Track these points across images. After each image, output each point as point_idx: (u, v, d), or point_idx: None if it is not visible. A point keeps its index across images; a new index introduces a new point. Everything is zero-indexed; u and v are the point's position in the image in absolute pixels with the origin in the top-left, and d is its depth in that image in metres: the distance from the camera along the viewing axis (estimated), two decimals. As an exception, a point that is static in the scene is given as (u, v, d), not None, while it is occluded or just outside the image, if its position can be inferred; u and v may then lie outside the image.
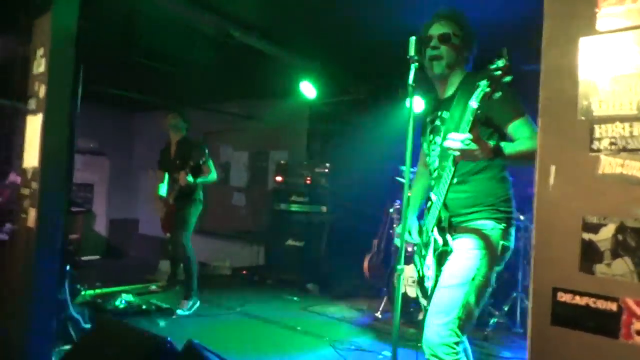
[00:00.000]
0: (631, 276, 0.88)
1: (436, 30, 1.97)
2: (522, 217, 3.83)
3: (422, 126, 2.19)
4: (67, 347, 2.89)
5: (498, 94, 1.51)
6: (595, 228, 0.91)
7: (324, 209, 5.44)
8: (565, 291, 0.94)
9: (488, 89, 1.50)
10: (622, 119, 0.89)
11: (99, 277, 5.74)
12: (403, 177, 4.56)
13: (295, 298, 4.89)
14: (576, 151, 0.94)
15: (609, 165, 0.89)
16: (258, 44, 4.58)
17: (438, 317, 1.80)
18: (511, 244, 1.92)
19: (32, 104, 2.92)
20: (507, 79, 1.45)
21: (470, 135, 1.60)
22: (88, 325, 3.19)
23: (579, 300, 0.92)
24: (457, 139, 1.62)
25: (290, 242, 5.48)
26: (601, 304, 0.90)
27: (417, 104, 4.83)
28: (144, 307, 4.08)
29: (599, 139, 0.91)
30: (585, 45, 0.93)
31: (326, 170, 5.53)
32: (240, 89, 6.99)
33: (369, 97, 6.00)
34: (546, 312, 0.95)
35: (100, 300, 4.13)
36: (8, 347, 2.83)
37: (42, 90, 2.82)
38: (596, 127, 0.91)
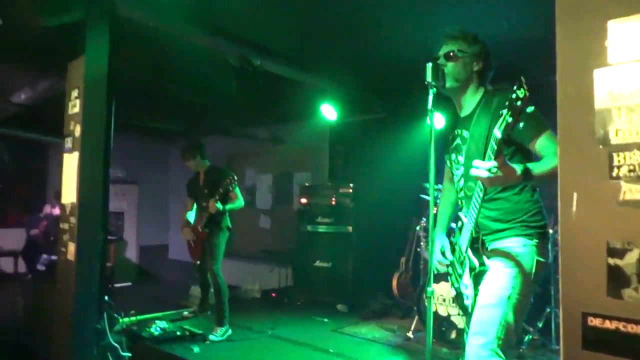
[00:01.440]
0: None
1: (442, 50, 2.03)
2: (550, 231, 3.78)
3: (446, 142, 2.22)
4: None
5: (521, 124, 1.53)
6: (620, 253, 0.93)
7: (350, 228, 5.47)
8: (595, 316, 0.96)
9: (510, 119, 1.51)
10: (639, 146, 0.92)
11: (133, 303, 5.87)
12: (428, 195, 4.58)
13: (325, 319, 4.90)
14: (597, 178, 0.97)
15: (629, 191, 0.92)
16: (280, 70, 4.73)
17: (477, 338, 1.80)
18: (547, 258, 1.91)
19: (68, 142, 3.06)
20: (529, 109, 1.46)
21: (496, 163, 1.61)
22: (126, 354, 3.28)
23: (609, 324, 0.94)
24: (484, 168, 1.63)
25: (318, 263, 5.51)
26: (631, 328, 0.92)
27: (439, 120, 4.86)
28: (177, 333, 4.16)
29: (619, 167, 0.94)
30: (600, 77, 0.97)
31: (350, 191, 5.57)
32: (262, 114, 7.17)
33: (389, 115, 6.05)
34: (577, 336, 0.97)
35: (135, 327, 4.22)
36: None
37: (77, 130, 2.97)
38: (614, 155, 0.94)
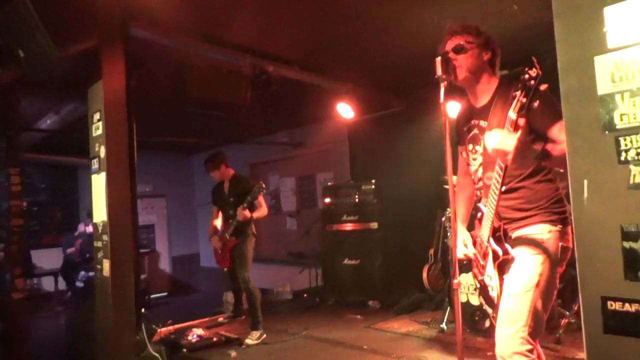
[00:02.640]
0: None
1: (449, 45, 2.03)
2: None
3: (458, 134, 2.22)
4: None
5: (536, 103, 1.53)
6: (635, 236, 0.93)
7: (375, 225, 5.48)
8: (615, 299, 0.96)
9: (524, 99, 1.52)
10: None
11: (169, 313, 6.02)
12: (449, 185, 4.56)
13: (358, 316, 4.93)
14: (605, 164, 0.97)
15: (639, 174, 0.92)
16: (294, 75, 4.79)
17: (506, 327, 1.81)
18: (569, 243, 1.90)
19: (95, 164, 3.18)
20: (542, 87, 1.47)
21: (505, 130, 1.61)
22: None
23: (629, 307, 0.95)
24: (496, 134, 1.64)
25: (346, 261, 5.55)
26: (651, 310, 0.92)
27: (454, 110, 4.83)
28: (214, 339, 4.25)
29: (626, 151, 0.94)
30: (600, 63, 0.97)
31: (372, 187, 5.58)
32: (281, 120, 7.26)
33: (406, 108, 6.04)
34: (598, 321, 0.98)
35: (173, 336, 4.33)
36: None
37: (102, 151, 3.08)
38: (621, 139, 0.95)
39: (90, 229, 8.57)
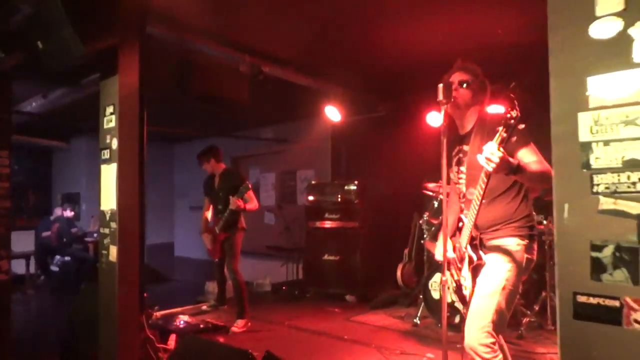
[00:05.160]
0: (627, 281, 1.24)
1: (456, 77, 2.36)
2: (544, 222, 4.12)
3: (447, 159, 2.53)
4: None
5: (514, 139, 1.88)
6: (599, 248, 1.27)
7: (356, 224, 5.78)
8: (582, 294, 1.30)
9: (505, 134, 1.87)
10: (612, 170, 1.26)
11: (150, 300, 6.12)
12: (429, 191, 4.88)
13: (336, 309, 5.23)
14: (582, 193, 1.30)
15: (606, 203, 1.25)
16: (289, 76, 5.02)
17: (475, 322, 2.13)
18: (533, 256, 2.25)
19: (105, 154, 3.34)
20: (521, 126, 1.82)
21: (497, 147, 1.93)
22: (161, 345, 3.59)
23: (592, 300, 1.28)
24: (491, 149, 1.92)
25: (326, 256, 5.84)
26: (608, 302, 1.26)
27: (436, 121, 5.15)
28: (201, 326, 4.46)
29: (597, 185, 1.27)
30: (582, 118, 1.30)
31: (355, 187, 5.87)
32: (266, 115, 7.43)
33: (390, 113, 6.34)
34: (569, 310, 1.30)
35: (161, 322, 4.51)
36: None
37: (114, 143, 3.25)
38: (594, 176, 1.28)
39: (68, 213, 8.55)
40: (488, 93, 2.40)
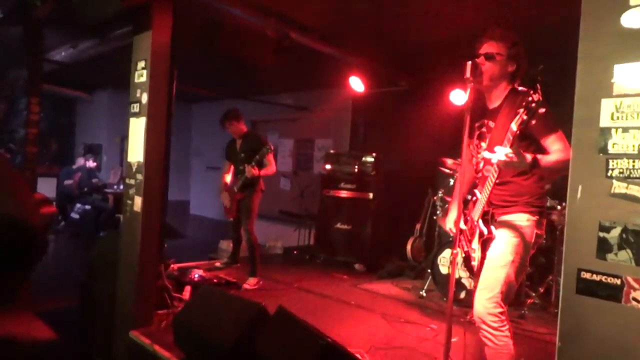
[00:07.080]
0: (630, 262, 1.31)
1: (483, 49, 2.33)
2: (558, 207, 4.15)
3: (471, 129, 2.56)
4: (163, 311, 3.50)
5: (533, 122, 1.93)
6: (607, 229, 1.34)
7: (371, 195, 5.88)
8: (586, 271, 1.38)
9: (525, 117, 1.92)
10: (628, 156, 1.33)
11: (167, 254, 6.32)
12: (445, 168, 4.93)
13: (344, 276, 5.39)
14: (596, 176, 1.36)
15: (618, 187, 1.32)
16: (314, 44, 5.02)
17: (485, 293, 2.22)
18: (542, 231, 2.33)
19: (135, 108, 3.45)
20: (541, 110, 1.87)
21: (510, 150, 2.00)
22: (177, 295, 3.78)
23: (595, 277, 1.36)
24: (502, 152, 2.02)
25: (339, 225, 5.97)
26: (610, 280, 1.34)
27: (460, 99, 5.13)
28: (215, 280, 4.65)
29: (612, 169, 1.34)
30: (605, 104, 1.34)
31: (373, 160, 5.93)
32: (287, 82, 7.45)
33: (412, 88, 6.33)
34: (572, 285, 1.39)
35: (176, 273, 4.71)
36: (117, 305, 3.44)
37: (144, 97, 3.35)
38: (610, 161, 1.34)
39: (90, 163, 8.79)
40: (524, 64, 2.35)
